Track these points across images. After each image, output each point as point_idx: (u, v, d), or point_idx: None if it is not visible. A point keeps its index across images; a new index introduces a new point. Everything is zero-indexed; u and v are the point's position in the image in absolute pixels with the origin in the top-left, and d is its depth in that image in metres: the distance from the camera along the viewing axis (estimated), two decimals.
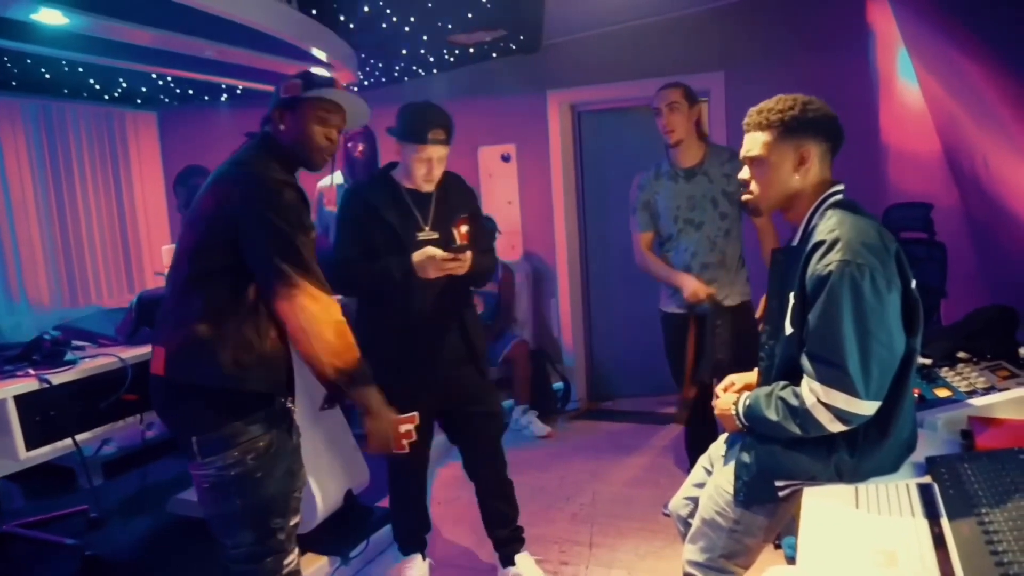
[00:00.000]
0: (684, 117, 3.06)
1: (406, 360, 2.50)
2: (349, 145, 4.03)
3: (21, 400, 2.12)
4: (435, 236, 2.50)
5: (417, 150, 2.42)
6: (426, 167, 2.45)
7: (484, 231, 2.71)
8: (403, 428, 2.55)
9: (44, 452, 2.20)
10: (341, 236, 2.51)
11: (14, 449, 2.11)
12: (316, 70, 2.24)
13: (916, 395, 2.00)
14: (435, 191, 2.55)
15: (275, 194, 1.78)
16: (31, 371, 2.21)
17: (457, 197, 2.60)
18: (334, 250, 2.48)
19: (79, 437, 2.27)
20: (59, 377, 2.21)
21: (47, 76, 3.82)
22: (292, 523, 2.02)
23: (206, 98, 4.73)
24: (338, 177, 4.11)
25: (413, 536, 2.82)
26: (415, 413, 2.52)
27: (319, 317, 1.75)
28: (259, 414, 1.86)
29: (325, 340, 1.77)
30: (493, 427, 2.72)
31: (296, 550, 2.04)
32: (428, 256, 2.37)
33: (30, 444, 2.14)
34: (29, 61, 3.47)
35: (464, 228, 2.55)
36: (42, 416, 2.17)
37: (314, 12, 3.29)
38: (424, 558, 2.84)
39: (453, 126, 2.49)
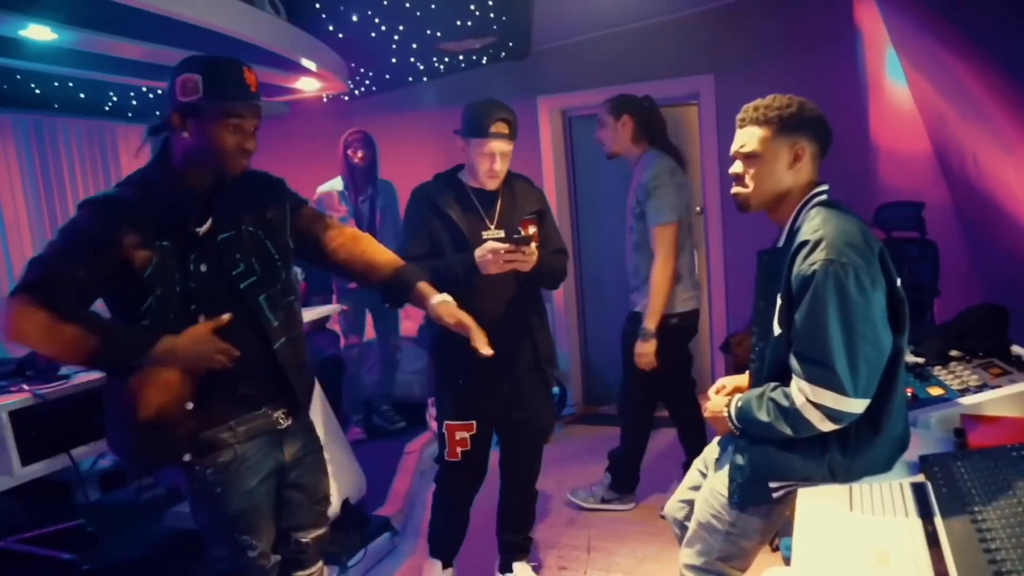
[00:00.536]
0: (611, 131, 3.17)
1: (474, 364, 2.30)
2: (349, 152, 4.05)
3: (16, 416, 2.11)
4: (501, 234, 2.45)
5: (480, 144, 2.39)
6: (489, 161, 2.41)
7: (555, 230, 2.65)
8: (459, 435, 2.53)
9: (40, 467, 2.19)
10: (407, 236, 2.49)
11: (10, 465, 2.10)
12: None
13: (909, 394, 2.01)
14: (501, 190, 2.51)
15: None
16: (25, 386, 2.20)
17: (524, 196, 2.55)
18: (400, 251, 2.34)
19: (75, 451, 2.27)
20: (53, 392, 2.20)
21: (37, 91, 3.82)
22: (309, 538, 2.00)
23: None
24: (338, 183, 4.12)
25: (446, 546, 2.76)
26: (472, 422, 2.50)
27: (18, 327, 1.59)
28: (219, 428, 1.80)
29: (39, 348, 1.68)
30: (540, 436, 2.69)
31: (315, 566, 2.04)
32: (490, 249, 2.30)
33: (25, 460, 2.13)
34: (19, 77, 3.47)
35: (532, 228, 2.52)
36: (37, 431, 2.16)
37: (303, 23, 3.30)
38: (446, 567, 2.77)
39: (516, 121, 2.45)
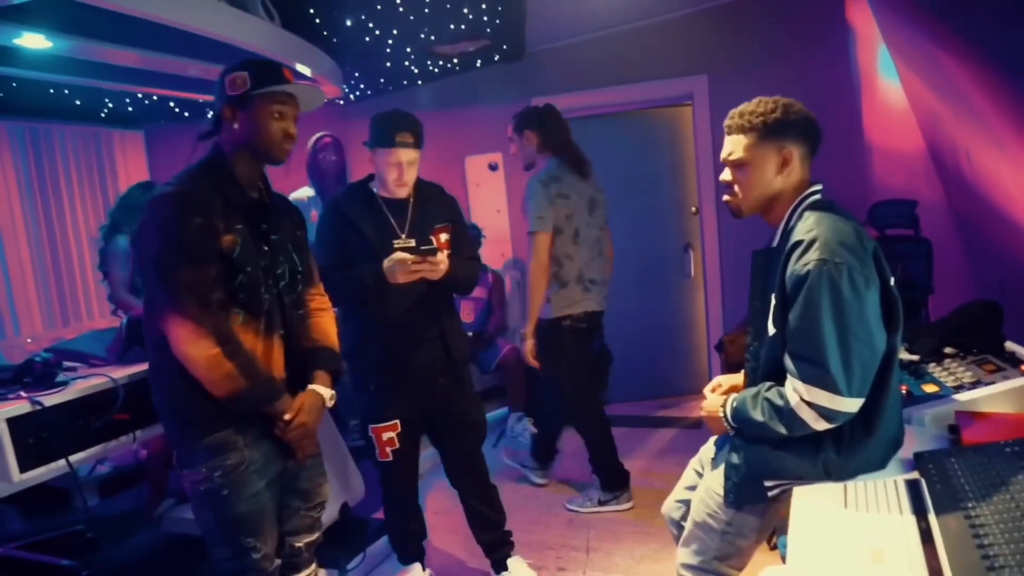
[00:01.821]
0: (517, 146, 3.36)
1: (386, 369, 2.53)
2: (320, 156, 3.98)
3: (13, 423, 2.10)
4: (412, 243, 2.49)
5: (386, 154, 2.45)
6: (396, 171, 2.46)
7: (467, 238, 2.71)
8: (385, 436, 2.60)
9: (38, 474, 2.18)
10: (319, 248, 2.52)
11: (8, 472, 2.10)
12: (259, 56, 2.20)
13: (904, 391, 2.01)
14: (412, 199, 2.55)
15: (160, 207, 1.78)
16: (23, 393, 2.20)
17: (435, 204, 2.60)
18: (317, 262, 2.48)
19: (73, 458, 2.26)
20: (51, 399, 2.20)
21: (32, 99, 3.83)
22: (303, 543, 2.05)
23: (186, 115, 4.74)
24: (309, 190, 4.07)
25: (409, 544, 2.82)
26: (396, 421, 2.57)
27: (186, 352, 1.75)
28: (228, 431, 1.85)
29: (199, 373, 1.78)
30: (472, 436, 2.72)
31: (309, 569, 2.08)
32: (397, 260, 2.36)
33: (24, 466, 2.13)
34: (15, 85, 3.47)
35: (444, 236, 2.56)
36: (35, 438, 2.15)
37: (297, 28, 3.30)
38: (424, 567, 2.85)
39: (422, 131, 2.50)
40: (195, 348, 1.75)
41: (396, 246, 2.47)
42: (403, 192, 2.53)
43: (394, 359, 2.52)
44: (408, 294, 2.47)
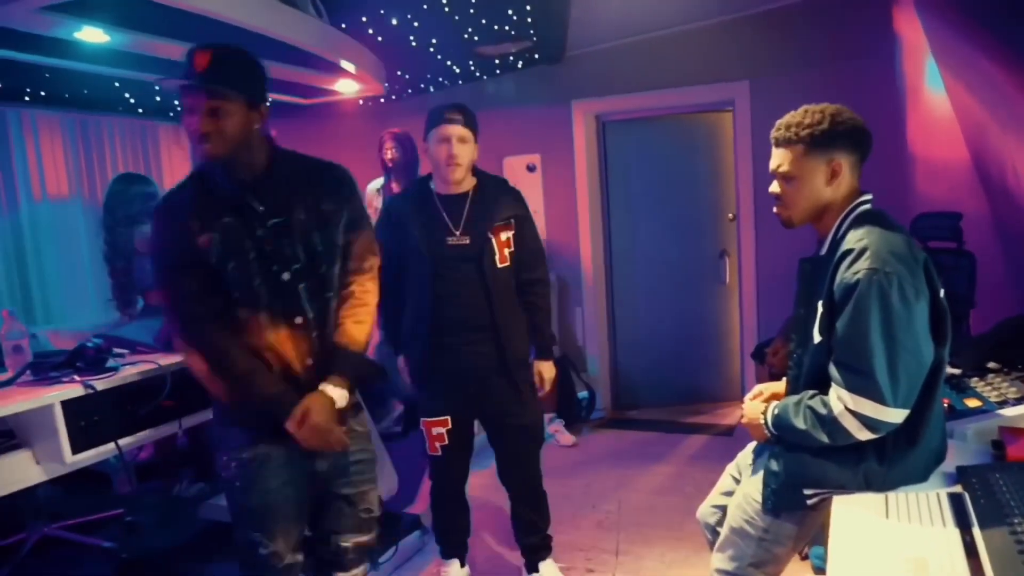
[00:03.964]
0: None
1: (433, 367, 2.54)
2: (381, 152, 4.04)
3: (67, 405, 2.18)
4: (466, 242, 2.46)
5: (436, 133, 2.43)
6: (446, 149, 2.41)
7: (533, 240, 2.58)
8: (435, 431, 2.60)
9: (88, 456, 2.25)
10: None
11: (60, 453, 2.17)
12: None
13: (946, 405, 1.99)
14: (471, 195, 2.50)
15: None
16: (76, 377, 2.27)
17: (495, 200, 2.51)
18: None
19: (121, 442, 2.33)
20: (102, 383, 2.27)
21: (85, 91, 3.92)
22: (350, 543, 2.01)
23: None
24: (380, 181, 4.14)
25: (451, 538, 2.82)
26: (447, 417, 2.57)
27: (186, 362, 1.93)
28: (251, 423, 1.86)
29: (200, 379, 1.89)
30: (525, 439, 2.68)
31: (357, 569, 2.06)
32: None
33: (75, 448, 2.20)
34: (69, 77, 3.57)
35: (504, 235, 2.48)
36: (86, 421, 2.23)
37: (343, 25, 3.35)
38: (463, 564, 2.85)
39: (474, 118, 2.48)
40: (190, 360, 1.87)
41: (450, 243, 2.45)
42: (458, 175, 2.45)
43: (441, 357, 2.51)
44: (462, 287, 2.45)
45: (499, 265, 2.49)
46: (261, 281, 1.80)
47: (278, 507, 1.89)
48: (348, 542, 2.02)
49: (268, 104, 1.85)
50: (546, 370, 2.67)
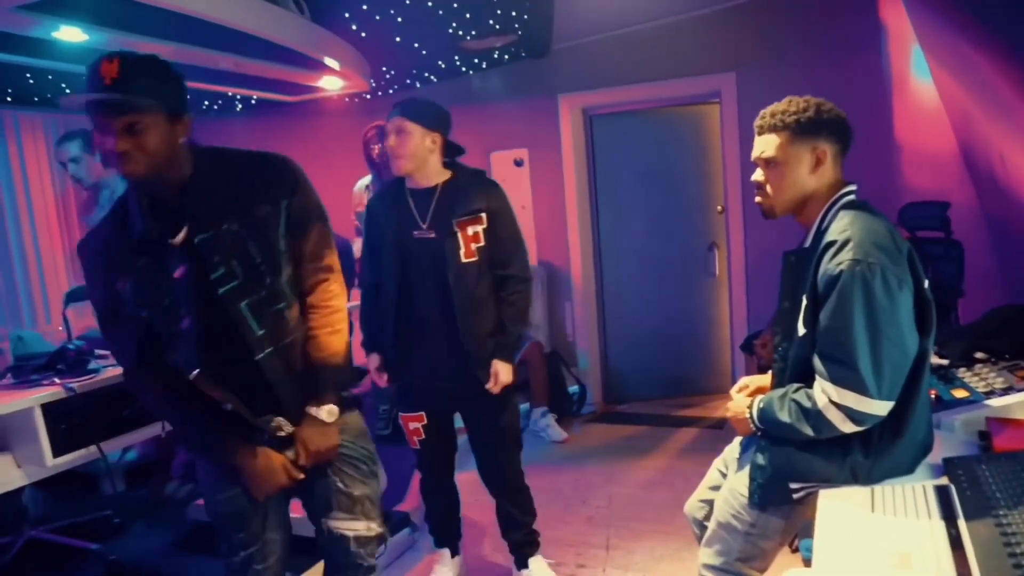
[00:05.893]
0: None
1: (404, 363, 2.54)
2: (369, 146, 3.99)
3: (47, 408, 2.16)
4: (431, 235, 2.41)
5: (387, 128, 2.44)
6: (391, 141, 2.41)
7: (512, 231, 2.52)
8: (411, 425, 2.60)
9: (70, 459, 2.24)
10: (364, 249, 2.61)
11: (41, 456, 2.16)
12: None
13: (933, 396, 1.99)
14: (440, 187, 2.46)
15: None
16: (56, 380, 2.25)
17: (464, 192, 2.45)
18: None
19: (103, 444, 2.31)
20: (83, 386, 2.25)
21: (67, 91, 3.88)
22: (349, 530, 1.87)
23: (216, 108, 4.80)
24: (368, 178, 4.11)
25: (442, 527, 2.84)
26: (421, 412, 2.58)
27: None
28: (230, 426, 1.75)
29: None
30: (498, 438, 2.62)
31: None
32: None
33: (56, 451, 2.19)
34: (51, 77, 3.54)
35: (472, 228, 2.42)
36: (67, 424, 2.22)
37: (326, 22, 3.33)
38: (455, 554, 2.86)
39: (424, 108, 2.43)
40: (143, 400, 1.81)
41: (416, 236, 2.42)
42: (402, 166, 2.41)
43: (408, 353, 2.51)
44: (427, 281, 2.44)
45: (464, 259, 2.42)
46: (186, 312, 1.64)
47: (247, 512, 1.81)
48: (349, 532, 1.89)
49: (191, 115, 1.66)
50: (502, 371, 2.48)
